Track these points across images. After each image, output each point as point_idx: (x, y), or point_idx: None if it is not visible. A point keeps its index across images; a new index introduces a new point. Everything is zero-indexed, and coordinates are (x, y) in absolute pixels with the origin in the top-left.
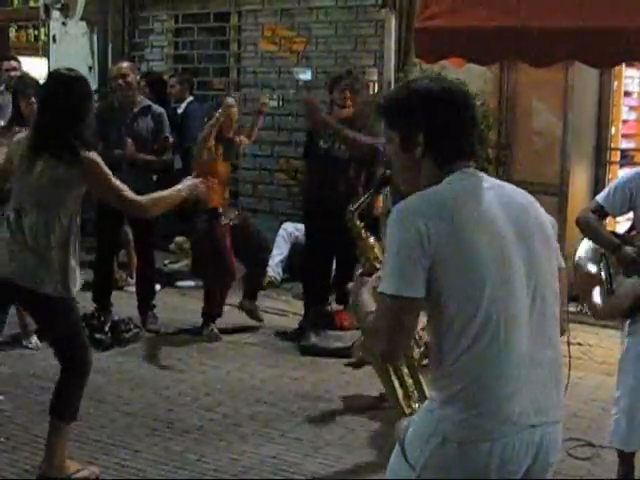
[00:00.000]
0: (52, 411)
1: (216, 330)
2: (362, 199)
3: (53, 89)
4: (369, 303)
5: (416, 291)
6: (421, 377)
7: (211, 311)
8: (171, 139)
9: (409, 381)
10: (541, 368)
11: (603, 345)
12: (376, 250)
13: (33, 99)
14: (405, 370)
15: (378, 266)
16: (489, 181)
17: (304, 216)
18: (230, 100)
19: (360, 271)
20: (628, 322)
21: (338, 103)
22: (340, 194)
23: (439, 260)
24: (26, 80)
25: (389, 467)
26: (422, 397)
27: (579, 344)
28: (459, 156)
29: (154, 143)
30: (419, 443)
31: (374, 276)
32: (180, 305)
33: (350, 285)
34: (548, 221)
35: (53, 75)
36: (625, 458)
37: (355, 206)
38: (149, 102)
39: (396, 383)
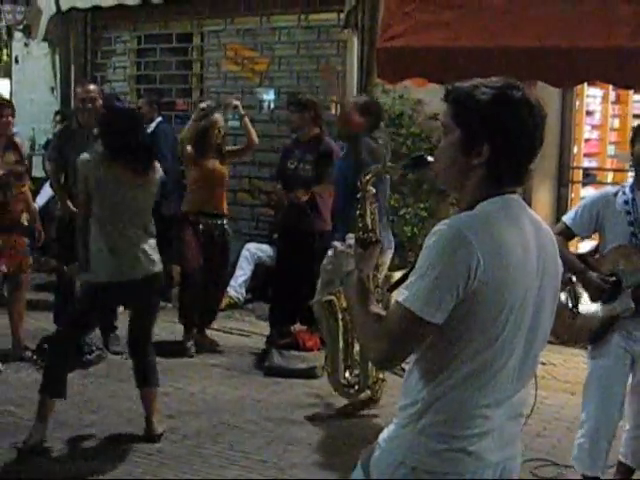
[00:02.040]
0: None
1: (192, 348)
2: (374, 170)
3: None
4: (376, 305)
5: (438, 318)
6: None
7: (187, 322)
8: None
9: (355, 358)
10: (513, 407)
11: (567, 364)
12: (375, 221)
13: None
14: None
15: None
16: (529, 213)
17: (278, 236)
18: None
19: (355, 236)
20: (591, 347)
21: (293, 127)
22: (305, 214)
23: (476, 294)
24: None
25: None
26: (363, 380)
27: (543, 363)
28: (515, 183)
29: None
30: (387, 470)
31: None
32: None
33: (345, 248)
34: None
35: None
36: None
37: (369, 176)
38: None
39: (341, 344)
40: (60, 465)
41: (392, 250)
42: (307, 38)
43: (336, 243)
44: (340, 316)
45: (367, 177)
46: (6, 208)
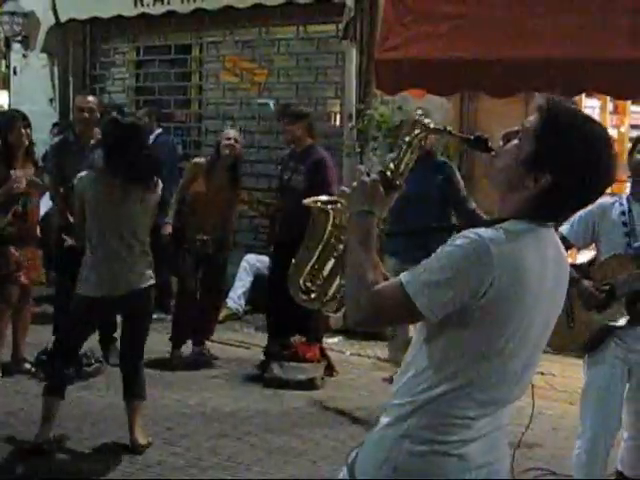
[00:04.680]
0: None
1: (178, 362)
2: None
3: None
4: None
5: (433, 314)
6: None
7: (177, 338)
8: None
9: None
10: (500, 418)
11: (566, 374)
12: (406, 170)
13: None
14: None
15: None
16: (556, 245)
17: (274, 247)
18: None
19: (380, 172)
20: (587, 356)
21: (288, 139)
22: (299, 225)
23: (482, 311)
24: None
25: None
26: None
27: (542, 373)
28: (555, 220)
29: None
30: (370, 470)
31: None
32: None
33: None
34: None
35: None
36: None
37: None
38: None
39: (316, 255)
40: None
41: None
42: (306, 50)
43: (360, 167)
44: (329, 229)
45: (419, 130)
46: (25, 219)
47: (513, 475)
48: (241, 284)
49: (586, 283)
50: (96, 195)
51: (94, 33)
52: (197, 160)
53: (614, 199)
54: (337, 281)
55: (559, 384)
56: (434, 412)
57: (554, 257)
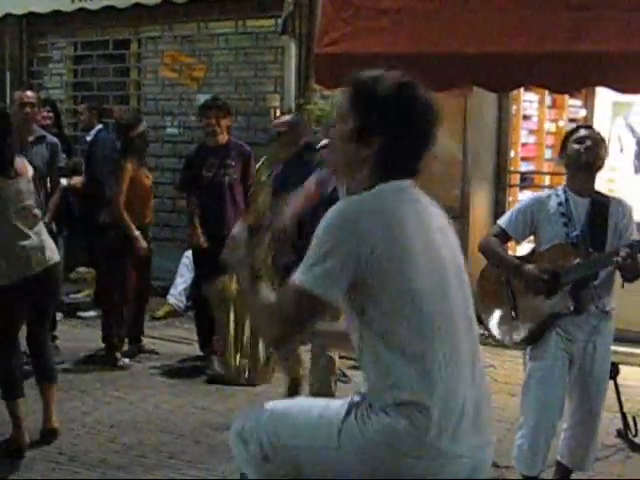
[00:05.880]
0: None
1: (123, 360)
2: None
3: None
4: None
5: (334, 296)
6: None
7: (109, 340)
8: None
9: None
10: (475, 385)
11: (507, 366)
12: (266, 206)
13: None
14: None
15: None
16: (422, 196)
17: (193, 248)
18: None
19: (244, 224)
20: (529, 348)
21: (209, 131)
22: (229, 219)
23: (378, 272)
24: None
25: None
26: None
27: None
28: (406, 174)
29: (49, 173)
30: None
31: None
32: (83, 336)
33: (235, 233)
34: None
35: None
36: None
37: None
38: (43, 132)
39: (232, 329)
40: None
41: None
42: (245, 44)
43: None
44: (230, 301)
45: (260, 163)
46: None
47: None
48: (182, 280)
49: (529, 267)
50: None
51: (31, 28)
52: (127, 164)
53: (551, 191)
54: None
55: (500, 376)
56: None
57: (429, 203)
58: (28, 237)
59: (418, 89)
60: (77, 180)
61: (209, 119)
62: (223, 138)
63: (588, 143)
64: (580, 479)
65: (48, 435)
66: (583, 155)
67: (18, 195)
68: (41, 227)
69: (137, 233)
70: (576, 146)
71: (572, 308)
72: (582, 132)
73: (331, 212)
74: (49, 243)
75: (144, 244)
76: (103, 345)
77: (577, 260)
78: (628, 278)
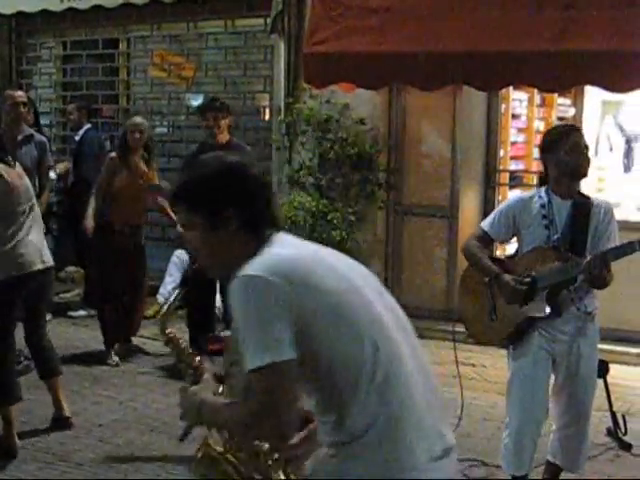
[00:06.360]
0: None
1: (115, 358)
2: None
3: None
4: (219, 403)
5: (290, 352)
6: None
7: (106, 338)
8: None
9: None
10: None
11: (497, 366)
12: (186, 348)
13: None
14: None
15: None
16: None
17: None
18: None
19: (184, 386)
20: (512, 347)
21: (208, 133)
22: None
23: (308, 316)
24: None
25: None
26: None
27: (473, 365)
28: (270, 223)
29: (37, 172)
30: None
31: (201, 383)
32: (72, 335)
33: (182, 403)
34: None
35: None
36: None
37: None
38: (31, 131)
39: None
40: None
41: None
42: (234, 44)
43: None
44: (222, 458)
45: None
46: None
47: None
48: (171, 279)
49: (507, 277)
50: None
51: (20, 28)
52: (112, 155)
53: (533, 192)
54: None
55: (490, 375)
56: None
57: (311, 244)
58: (29, 236)
59: (225, 157)
60: (62, 166)
61: (207, 120)
62: (224, 137)
63: (586, 154)
64: (569, 479)
65: (64, 424)
66: (581, 168)
67: (27, 193)
68: (41, 227)
69: (90, 212)
70: (576, 156)
71: (547, 312)
72: (576, 138)
73: (236, 289)
74: (45, 244)
75: (89, 225)
76: (97, 343)
77: (556, 263)
78: (595, 286)
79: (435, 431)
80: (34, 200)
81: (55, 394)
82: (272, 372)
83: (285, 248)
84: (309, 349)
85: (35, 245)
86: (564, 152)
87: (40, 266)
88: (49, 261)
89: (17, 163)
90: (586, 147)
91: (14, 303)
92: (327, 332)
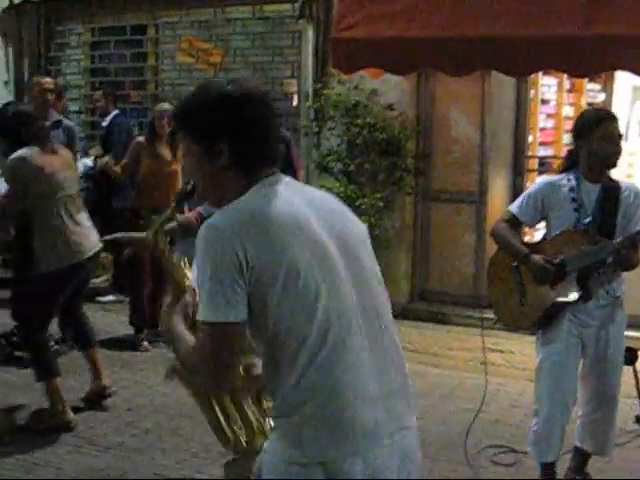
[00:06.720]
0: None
1: (144, 343)
2: (160, 217)
3: None
4: (188, 337)
5: (238, 315)
6: (249, 410)
7: (137, 322)
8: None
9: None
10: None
11: (525, 352)
12: (184, 270)
13: None
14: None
15: (187, 283)
16: (297, 186)
17: None
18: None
19: (169, 300)
20: (541, 332)
21: None
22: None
23: (261, 278)
24: None
25: None
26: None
27: (501, 351)
28: (264, 162)
29: None
30: (280, 474)
31: (182, 301)
32: (101, 320)
33: (161, 318)
34: (364, 228)
35: None
36: (545, 469)
37: (153, 230)
38: (60, 117)
39: (221, 418)
40: (18, 462)
41: None
42: (262, 29)
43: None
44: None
45: (152, 230)
46: None
47: (471, 453)
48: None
49: (536, 257)
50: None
51: (48, 14)
52: (139, 139)
53: (562, 176)
54: (250, 413)
55: (518, 362)
56: (316, 390)
57: (313, 205)
58: (78, 224)
59: (236, 84)
60: (94, 151)
61: None
62: None
63: (620, 144)
64: (598, 465)
65: (102, 394)
66: (612, 158)
67: (68, 179)
68: (86, 214)
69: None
70: (608, 146)
71: (578, 297)
72: (610, 127)
73: (200, 235)
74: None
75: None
76: (126, 328)
77: (585, 246)
78: (624, 268)
79: (385, 405)
80: (77, 186)
81: (95, 363)
82: (217, 331)
83: (263, 197)
84: (258, 306)
85: (84, 232)
86: (596, 141)
87: (90, 253)
88: (96, 245)
89: (59, 149)
90: (620, 136)
91: (63, 292)
92: (276, 295)
